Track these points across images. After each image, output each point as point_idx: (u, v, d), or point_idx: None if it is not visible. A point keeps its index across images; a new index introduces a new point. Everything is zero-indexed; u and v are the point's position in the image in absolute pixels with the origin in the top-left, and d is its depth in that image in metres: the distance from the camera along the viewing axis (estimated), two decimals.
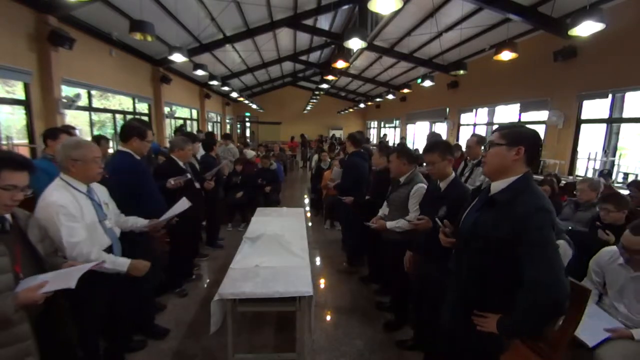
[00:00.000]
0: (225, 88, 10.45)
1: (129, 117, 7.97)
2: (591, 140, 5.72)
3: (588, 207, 2.89)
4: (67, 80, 5.46)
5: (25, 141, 4.86)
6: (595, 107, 5.61)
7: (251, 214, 3.92)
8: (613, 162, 5.36)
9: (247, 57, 10.64)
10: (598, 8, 4.00)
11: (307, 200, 7.83)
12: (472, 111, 9.08)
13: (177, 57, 5.80)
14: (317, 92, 14.86)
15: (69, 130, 3.24)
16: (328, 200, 5.62)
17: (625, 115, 5.26)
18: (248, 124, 20.66)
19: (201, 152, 4.52)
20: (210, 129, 13.83)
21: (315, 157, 7.86)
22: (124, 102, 8.02)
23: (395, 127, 15.90)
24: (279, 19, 7.77)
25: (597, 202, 2.76)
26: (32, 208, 1.62)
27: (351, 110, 18.38)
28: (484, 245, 1.33)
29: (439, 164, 2.10)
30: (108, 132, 7.48)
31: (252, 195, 5.53)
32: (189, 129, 10.62)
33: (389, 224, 2.64)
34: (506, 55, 5.34)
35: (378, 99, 14.22)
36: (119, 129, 7.58)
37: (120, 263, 1.81)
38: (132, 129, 2.42)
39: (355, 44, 4.71)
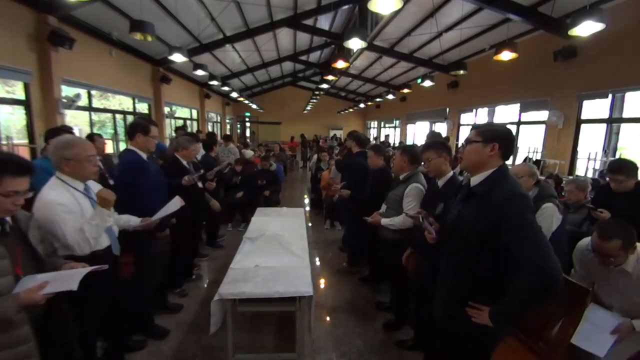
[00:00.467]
0: (225, 88, 10.46)
1: (129, 117, 7.98)
2: (591, 140, 5.72)
3: (578, 208, 2.80)
4: (67, 80, 5.46)
5: (25, 141, 4.86)
6: (595, 107, 5.61)
7: (251, 214, 3.92)
8: None
9: (247, 57, 10.64)
10: (598, 8, 4.00)
11: (307, 200, 7.83)
12: (472, 111, 9.08)
13: (177, 57, 5.80)
14: (317, 92, 14.86)
15: (69, 130, 3.24)
16: (328, 200, 5.62)
17: (625, 115, 5.26)
18: (248, 124, 20.65)
19: (201, 152, 4.52)
20: (210, 129, 13.83)
21: (315, 157, 7.86)
22: (124, 102, 8.01)
23: (395, 127, 15.90)
24: (279, 19, 7.76)
25: (586, 202, 2.74)
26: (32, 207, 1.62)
27: (351, 110, 18.38)
28: (466, 239, 1.38)
29: (435, 161, 2.16)
30: (108, 132, 7.47)
31: (252, 196, 5.53)
32: (188, 129, 10.61)
33: (384, 221, 2.67)
34: (506, 55, 5.34)
35: (378, 99, 14.22)
36: (119, 129, 7.60)
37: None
38: (136, 126, 2.44)
39: (355, 44, 4.71)
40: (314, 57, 12.71)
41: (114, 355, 2.23)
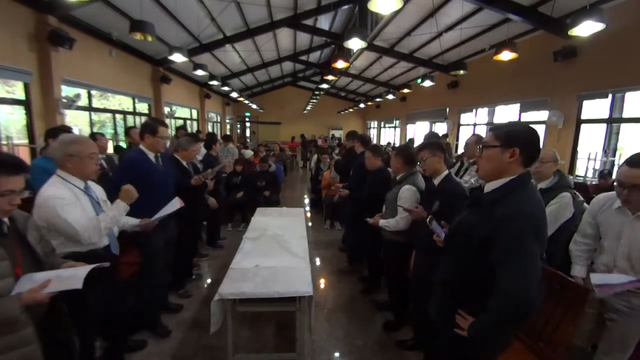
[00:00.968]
0: (225, 88, 10.45)
1: (129, 117, 7.98)
2: (591, 140, 5.72)
3: None
4: (67, 80, 5.46)
5: (25, 141, 4.86)
6: (595, 107, 5.61)
7: (251, 214, 3.92)
8: (613, 162, 5.35)
9: (247, 57, 10.64)
10: (598, 8, 4.00)
11: (307, 200, 7.83)
12: (472, 111, 9.07)
13: (177, 57, 5.80)
14: (317, 92, 14.86)
15: (68, 130, 3.25)
16: (328, 200, 5.62)
17: (625, 115, 5.25)
18: (248, 124, 20.65)
19: (202, 151, 4.54)
20: (210, 129, 13.84)
21: (315, 157, 7.87)
22: (124, 102, 8.01)
23: (395, 127, 15.90)
24: (279, 19, 7.76)
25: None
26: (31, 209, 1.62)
27: (351, 110, 18.38)
28: (465, 244, 1.31)
29: (429, 160, 2.20)
30: (108, 132, 7.47)
31: (252, 196, 5.53)
32: (188, 129, 10.61)
33: (381, 222, 2.69)
34: (506, 55, 5.34)
35: (378, 99, 14.22)
36: (119, 129, 7.60)
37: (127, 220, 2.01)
38: (144, 127, 2.47)
39: (355, 44, 4.71)
40: (314, 57, 12.70)
41: (114, 355, 2.23)
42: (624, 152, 5.38)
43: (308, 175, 10.12)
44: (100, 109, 7.16)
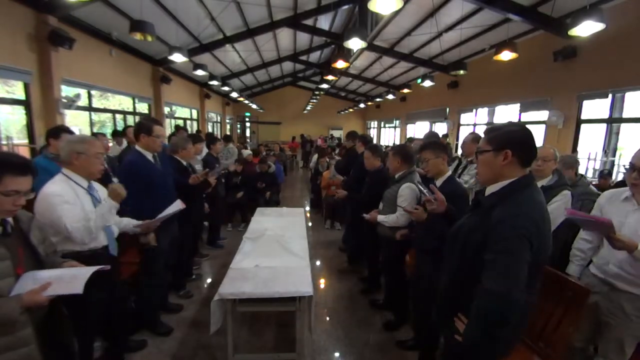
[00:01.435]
0: (225, 88, 10.45)
1: (129, 117, 7.98)
2: (591, 140, 5.72)
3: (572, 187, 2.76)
4: (67, 80, 5.46)
5: (26, 141, 4.85)
6: (595, 107, 5.61)
7: (251, 214, 3.92)
8: (613, 162, 5.35)
9: (247, 57, 10.64)
10: (598, 8, 3.99)
11: (307, 200, 7.83)
12: (472, 111, 9.07)
13: (177, 57, 5.80)
14: (317, 92, 14.86)
15: (67, 130, 3.25)
16: (328, 200, 5.62)
17: (625, 115, 5.25)
18: (248, 124, 20.65)
19: (204, 151, 4.54)
20: (210, 129, 13.85)
21: (315, 157, 7.87)
22: (124, 102, 8.01)
23: (395, 127, 15.90)
24: (279, 19, 7.76)
25: (579, 179, 2.72)
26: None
27: (351, 110, 18.38)
28: (463, 247, 1.31)
29: (433, 161, 2.19)
30: (108, 132, 7.46)
31: (252, 196, 5.53)
32: (188, 129, 10.61)
33: (380, 217, 2.70)
34: (506, 55, 5.34)
35: (378, 99, 14.22)
36: (119, 129, 7.59)
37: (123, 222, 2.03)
38: (139, 127, 2.45)
39: (355, 44, 4.71)
40: (314, 57, 12.70)
41: (114, 355, 2.23)
42: (624, 152, 5.37)
43: (308, 175, 10.12)
44: (100, 109, 7.16)
